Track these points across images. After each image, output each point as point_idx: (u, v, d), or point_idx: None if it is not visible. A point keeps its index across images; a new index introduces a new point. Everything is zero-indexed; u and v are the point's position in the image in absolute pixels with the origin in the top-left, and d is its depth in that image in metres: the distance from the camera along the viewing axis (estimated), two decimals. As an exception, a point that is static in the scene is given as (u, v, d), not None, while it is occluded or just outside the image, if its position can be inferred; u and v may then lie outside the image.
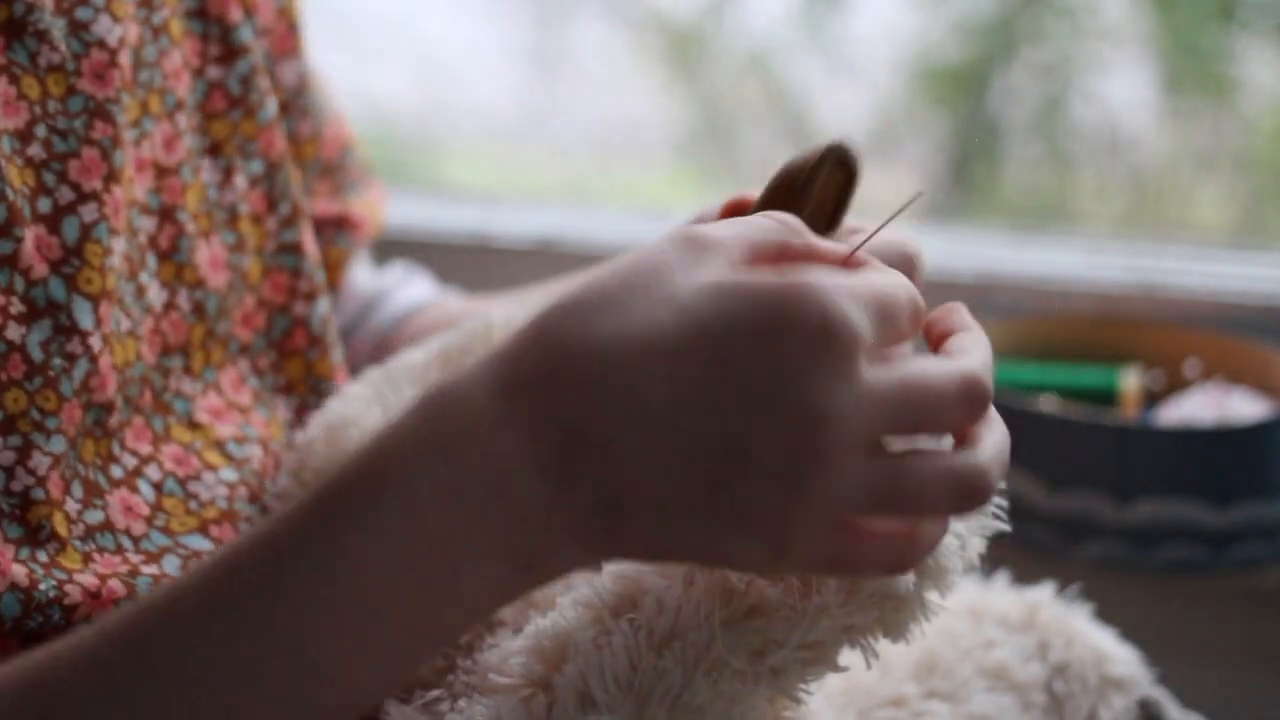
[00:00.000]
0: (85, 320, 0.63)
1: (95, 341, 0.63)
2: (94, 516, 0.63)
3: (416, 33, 1.74)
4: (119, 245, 0.65)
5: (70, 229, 0.63)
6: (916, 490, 0.51)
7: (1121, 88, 1.57)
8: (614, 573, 0.56)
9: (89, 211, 0.64)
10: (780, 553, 0.51)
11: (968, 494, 0.51)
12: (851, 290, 0.50)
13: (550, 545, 0.51)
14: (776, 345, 0.49)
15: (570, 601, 0.57)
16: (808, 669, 0.55)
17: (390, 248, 1.14)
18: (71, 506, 0.62)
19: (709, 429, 0.50)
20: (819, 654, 0.54)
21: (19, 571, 0.59)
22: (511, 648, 0.58)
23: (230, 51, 0.74)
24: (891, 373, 0.51)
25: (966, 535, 0.57)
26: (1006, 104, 1.59)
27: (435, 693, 0.62)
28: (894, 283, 0.53)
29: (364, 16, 1.77)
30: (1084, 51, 1.57)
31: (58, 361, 0.62)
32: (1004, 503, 0.57)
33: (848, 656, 0.55)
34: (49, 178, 0.63)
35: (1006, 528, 0.58)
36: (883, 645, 0.55)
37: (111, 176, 0.65)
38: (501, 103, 1.81)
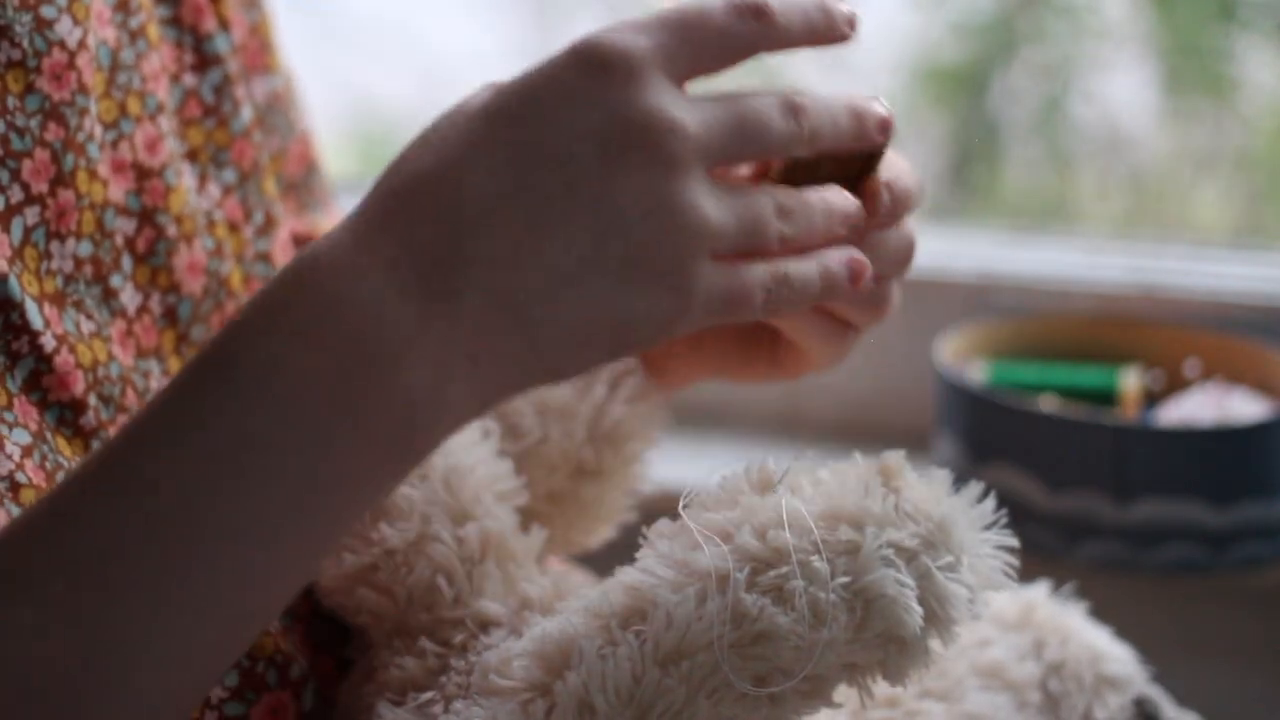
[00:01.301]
0: (36, 320, 0.63)
1: (47, 341, 0.63)
2: None
3: (416, 33, 1.74)
4: (71, 249, 0.65)
5: (16, 230, 0.63)
6: (761, 212, 0.57)
7: (1121, 88, 1.57)
8: (625, 584, 0.56)
9: (32, 214, 0.64)
10: (682, 293, 0.54)
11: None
12: (638, 25, 0.56)
13: (437, 381, 0.53)
14: (583, 80, 0.54)
15: (577, 607, 0.57)
16: (805, 701, 0.55)
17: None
18: None
19: (556, 185, 0.53)
20: (818, 687, 0.55)
21: None
22: (513, 650, 0.58)
23: (203, 60, 0.75)
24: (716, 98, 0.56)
25: (977, 589, 0.57)
26: (1006, 104, 1.59)
27: (428, 695, 0.62)
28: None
29: (364, 16, 1.77)
30: (1084, 51, 1.57)
31: (2, 359, 0.62)
32: (1013, 561, 0.60)
33: (841, 693, 0.56)
34: (3, 175, 0.63)
35: (1014, 583, 0.60)
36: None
37: (59, 180, 0.64)
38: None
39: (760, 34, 0.58)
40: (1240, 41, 1.56)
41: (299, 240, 0.84)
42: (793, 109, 0.58)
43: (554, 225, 0.53)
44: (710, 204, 0.55)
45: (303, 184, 0.86)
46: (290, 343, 0.53)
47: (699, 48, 0.57)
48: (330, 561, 0.66)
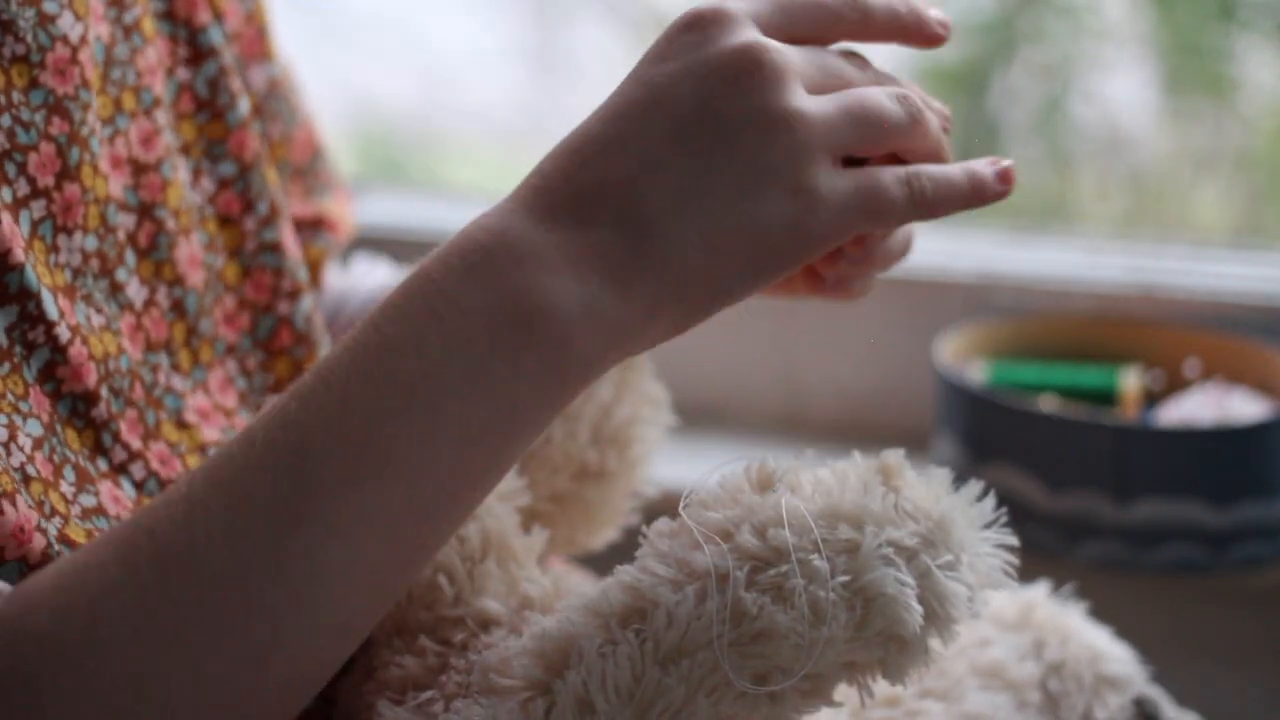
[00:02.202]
0: (52, 311, 0.63)
1: (62, 331, 0.63)
2: (88, 500, 0.63)
3: (416, 33, 1.73)
4: (78, 243, 0.65)
5: (24, 223, 0.63)
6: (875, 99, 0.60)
7: (1121, 88, 1.57)
8: (625, 583, 0.56)
9: (38, 208, 0.64)
10: (803, 193, 0.57)
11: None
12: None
13: (585, 301, 0.56)
14: (681, 34, 0.59)
15: (577, 606, 0.57)
16: (805, 700, 0.56)
17: (390, 248, 1.14)
18: (66, 488, 0.62)
19: (663, 124, 0.58)
20: (817, 686, 0.56)
21: (39, 541, 0.59)
22: (513, 648, 0.58)
23: (198, 54, 0.75)
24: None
25: (976, 588, 0.57)
26: (1006, 104, 1.59)
27: (428, 694, 0.62)
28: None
29: (364, 16, 1.77)
30: (1084, 51, 1.57)
31: (19, 349, 0.62)
32: (1013, 560, 0.60)
33: (841, 692, 0.56)
34: (10, 168, 0.63)
35: (1013, 582, 0.60)
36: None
37: (65, 174, 0.65)
38: (501, 103, 1.81)
39: (856, 22, 0.63)
40: (1240, 41, 1.56)
41: (302, 224, 0.84)
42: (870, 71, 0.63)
43: (671, 151, 0.57)
44: (813, 104, 0.58)
45: (309, 169, 0.86)
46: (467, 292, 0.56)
47: (794, 17, 0.61)
48: None
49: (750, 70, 0.58)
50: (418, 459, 0.55)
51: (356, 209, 0.94)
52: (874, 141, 0.60)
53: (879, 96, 0.60)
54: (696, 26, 0.59)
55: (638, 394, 0.75)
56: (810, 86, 0.59)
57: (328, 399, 0.55)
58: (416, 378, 0.55)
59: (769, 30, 0.60)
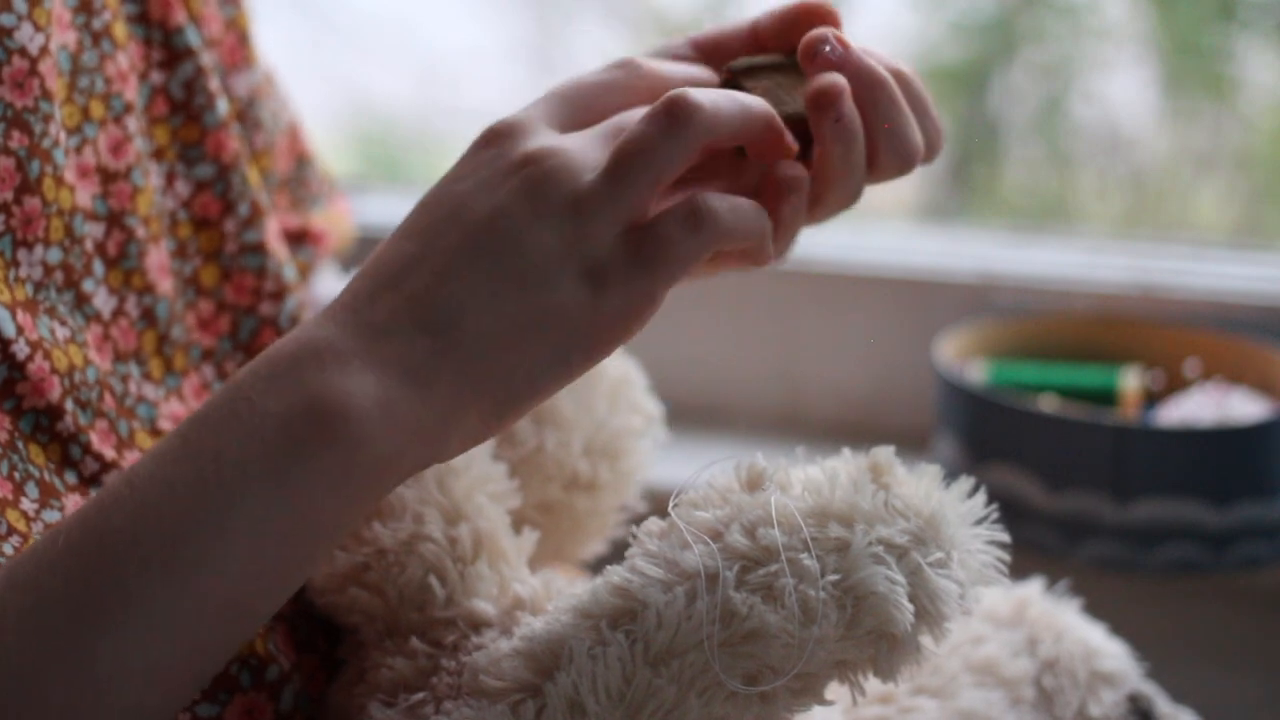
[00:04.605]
0: (8, 328, 0.63)
1: (20, 348, 0.63)
2: (51, 515, 0.63)
3: (416, 33, 1.73)
4: (39, 256, 0.65)
5: None
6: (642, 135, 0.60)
7: (1121, 88, 1.56)
8: (614, 584, 0.56)
9: None
10: (599, 274, 0.58)
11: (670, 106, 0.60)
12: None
13: (381, 394, 0.57)
14: (475, 148, 0.62)
15: (567, 607, 0.57)
16: (796, 699, 0.56)
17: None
18: (27, 505, 0.62)
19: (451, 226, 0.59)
20: (808, 685, 0.56)
21: None
22: (503, 650, 0.58)
23: (173, 55, 0.74)
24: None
25: (967, 585, 0.57)
26: (1006, 104, 1.59)
27: (419, 696, 0.61)
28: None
29: (364, 16, 1.77)
30: (1084, 51, 1.56)
31: None
32: (1004, 556, 0.59)
33: (833, 690, 0.56)
34: None
35: (1006, 581, 0.60)
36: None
37: (25, 188, 0.64)
38: (501, 103, 1.81)
39: (642, 89, 0.65)
40: (1240, 41, 1.55)
41: (291, 236, 0.84)
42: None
43: (465, 259, 0.59)
44: (596, 186, 0.59)
45: (294, 179, 0.85)
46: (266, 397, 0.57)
47: (577, 104, 0.64)
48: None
49: (534, 174, 0.59)
50: (213, 561, 0.55)
51: (356, 209, 0.93)
52: (664, 183, 0.60)
53: (651, 142, 0.60)
54: (491, 142, 0.62)
55: (631, 407, 0.75)
56: (597, 166, 0.60)
57: (130, 502, 0.56)
58: (213, 481, 0.55)
59: (560, 124, 0.62)
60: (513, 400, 0.58)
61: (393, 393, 0.56)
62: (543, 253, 0.58)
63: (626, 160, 0.59)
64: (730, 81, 0.67)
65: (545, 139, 0.61)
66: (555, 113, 0.63)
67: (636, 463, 0.75)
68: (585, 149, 0.60)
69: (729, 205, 0.60)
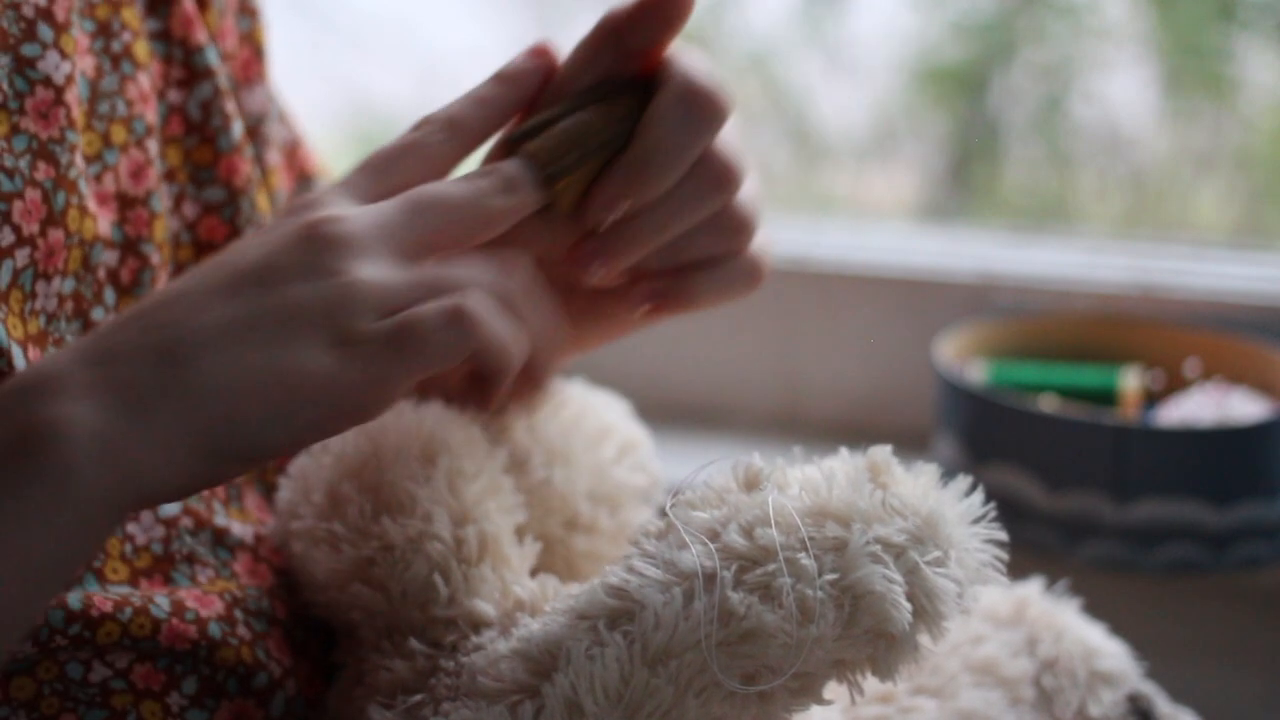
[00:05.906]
0: (20, 364, 0.62)
1: None
2: None
3: (416, 33, 1.73)
4: (56, 287, 0.64)
5: (5, 273, 0.62)
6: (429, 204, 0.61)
7: (1121, 88, 1.56)
8: (611, 584, 0.56)
9: (22, 256, 0.63)
10: (347, 348, 0.57)
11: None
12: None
13: (107, 457, 0.54)
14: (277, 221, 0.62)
15: (564, 608, 0.57)
16: (794, 699, 0.55)
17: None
18: None
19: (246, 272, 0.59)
20: (806, 685, 0.55)
21: None
22: (501, 651, 0.58)
23: (192, 74, 0.73)
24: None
25: (965, 584, 0.57)
26: (1006, 104, 1.59)
27: (417, 697, 0.61)
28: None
29: (364, 16, 1.77)
30: (1084, 51, 1.56)
31: None
32: (1002, 555, 0.59)
33: (832, 689, 0.56)
34: None
35: (1004, 579, 0.59)
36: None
37: (50, 220, 0.64)
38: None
39: (449, 155, 0.67)
40: (1240, 41, 1.55)
41: None
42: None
43: (221, 298, 0.58)
44: (377, 269, 0.59)
45: (295, 196, 0.85)
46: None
47: (377, 178, 0.64)
48: (327, 555, 0.66)
49: (313, 235, 0.59)
50: None
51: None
52: (444, 249, 0.61)
53: (445, 216, 0.62)
54: (293, 211, 0.61)
55: (637, 467, 0.75)
56: (393, 247, 0.60)
57: None
58: None
59: (362, 195, 0.62)
60: (235, 451, 0.56)
61: (111, 421, 0.54)
62: (299, 309, 0.57)
63: (412, 252, 0.60)
64: (511, 153, 0.68)
65: (338, 208, 0.61)
66: (358, 184, 0.63)
67: (632, 517, 0.75)
68: (372, 221, 0.60)
69: (495, 319, 0.60)
